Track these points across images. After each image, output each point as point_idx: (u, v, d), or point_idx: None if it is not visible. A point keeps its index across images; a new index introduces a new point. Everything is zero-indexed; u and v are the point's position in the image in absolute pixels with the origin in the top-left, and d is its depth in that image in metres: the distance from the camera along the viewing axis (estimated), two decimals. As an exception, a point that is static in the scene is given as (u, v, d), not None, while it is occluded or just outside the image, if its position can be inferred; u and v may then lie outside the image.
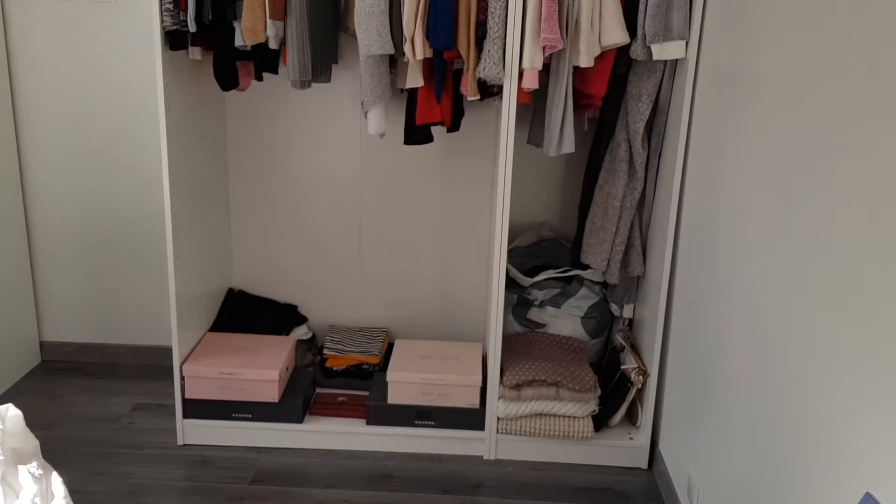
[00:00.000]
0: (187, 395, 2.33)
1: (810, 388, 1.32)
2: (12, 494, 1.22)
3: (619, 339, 2.47)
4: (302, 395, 2.38)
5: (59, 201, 2.71)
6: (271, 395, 2.33)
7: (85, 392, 2.66)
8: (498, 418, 2.32)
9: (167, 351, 2.49)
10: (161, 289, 2.78)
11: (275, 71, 2.32)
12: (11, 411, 1.31)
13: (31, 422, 2.43)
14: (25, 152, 2.66)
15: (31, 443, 1.36)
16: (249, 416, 2.34)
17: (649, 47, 2.02)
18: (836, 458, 1.21)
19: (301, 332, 2.72)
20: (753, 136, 1.64)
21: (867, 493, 1.08)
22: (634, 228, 2.31)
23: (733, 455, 1.68)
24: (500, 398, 2.30)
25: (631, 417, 2.41)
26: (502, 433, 2.33)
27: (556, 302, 2.50)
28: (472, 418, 2.34)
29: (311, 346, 2.74)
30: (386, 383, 2.36)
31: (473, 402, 2.35)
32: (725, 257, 1.77)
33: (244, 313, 2.69)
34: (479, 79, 2.07)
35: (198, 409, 2.34)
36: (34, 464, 1.28)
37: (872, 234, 1.14)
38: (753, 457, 1.56)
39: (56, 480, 1.31)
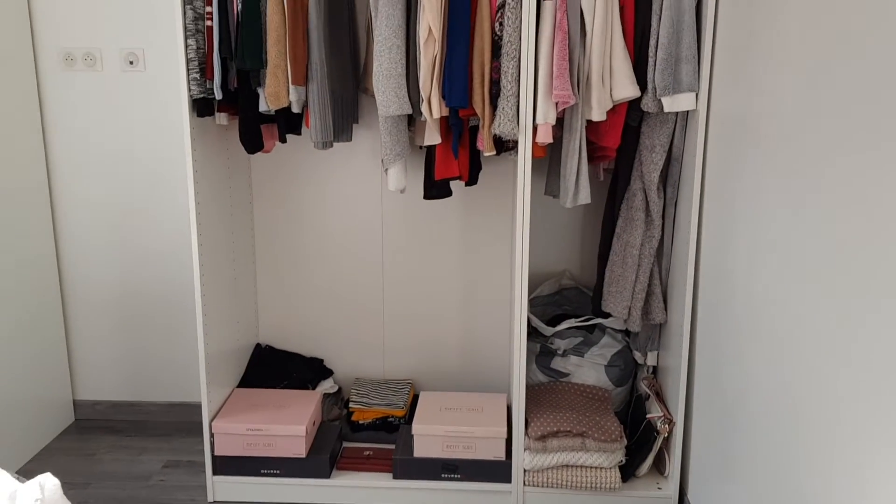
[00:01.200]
0: (217, 452, 2.36)
1: (837, 434, 1.32)
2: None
3: (643, 387, 2.46)
4: (329, 450, 2.40)
5: (92, 263, 2.80)
6: (298, 450, 2.35)
7: (117, 450, 2.70)
8: (524, 470, 2.31)
9: (197, 407, 2.54)
10: (191, 346, 2.85)
11: (298, 132, 2.40)
12: (51, 481, 1.36)
13: (66, 481, 2.50)
14: (59, 215, 2.76)
15: (67, 508, 1.40)
16: (277, 471, 2.37)
17: (660, 100, 2.07)
18: (859, 507, 1.21)
19: (327, 386, 2.75)
20: (765, 184, 1.66)
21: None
22: (654, 276, 2.32)
23: (759, 501, 1.67)
24: (525, 450, 2.30)
25: (659, 467, 2.39)
26: (529, 485, 2.32)
27: (579, 351, 2.51)
28: (498, 471, 2.34)
29: (337, 400, 2.76)
30: (412, 436, 2.37)
31: (499, 454, 2.35)
32: (745, 304, 1.78)
33: (271, 368, 2.73)
34: (495, 135, 2.13)
35: (227, 465, 2.37)
36: (69, 527, 1.33)
37: (888, 274, 1.15)
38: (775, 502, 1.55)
39: None
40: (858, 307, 1.23)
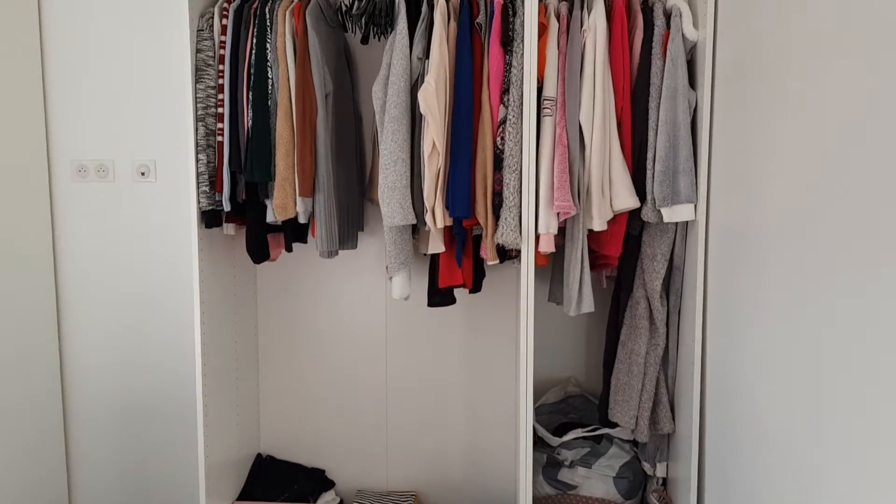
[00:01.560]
0: (212, 570, 2.28)
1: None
2: None
3: (654, 499, 2.39)
4: (329, 568, 2.32)
5: (94, 373, 2.78)
6: (297, 568, 2.27)
7: (110, 567, 2.61)
8: (532, 589, 2.22)
9: (195, 522, 2.47)
10: (191, 459, 2.78)
11: (304, 241, 2.44)
12: None
13: None
14: (65, 326, 2.76)
15: None
16: (275, 591, 2.28)
17: (659, 210, 2.11)
18: None
19: (328, 498, 2.68)
20: (765, 296, 1.67)
21: None
22: (660, 385, 2.30)
23: None
24: (533, 567, 2.21)
25: (672, 585, 2.29)
26: None
27: (586, 462, 2.46)
28: (504, 589, 2.25)
29: (338, 513, 2.69)
30: (415, 553, 2.29)
31: (506, 571, 2.26)
32: (750, 416, 1.76)
33: (272, 480, 2.67)
34: (498, 244, 2.16)
35: (223, 584, 2.28)
36: None
37: (891, 390, 1.14)
38: None
39: None
40: (861, 426, 1.21)
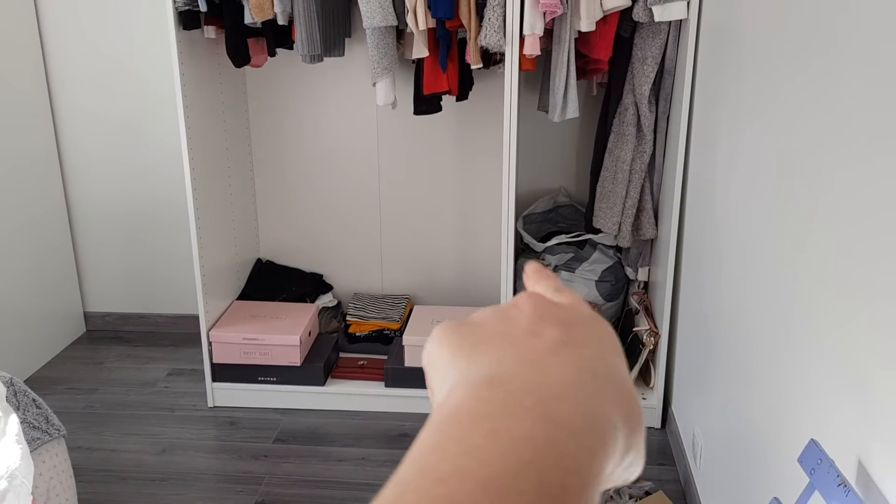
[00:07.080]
0: (215, 360, 2.45)
1: (784, 349, 1.33)
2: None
3: (633, 301, 2.49)
4: (324, 360, 2.48)
5: (95, 180, 2.85)
6: (293, 359, 2.43)
7: (125, 359, 2.81)
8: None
9: (199, 319, 2.61)
10: (192, 261, 2.91)
11: (289, 46, 2.38)
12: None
13: (74, 386, 2.61)
14: (62, 132, 2.80)
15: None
16: (274, 379, 2.46)
17: (651, 9, 2.01)
18: (796, 410, 1.23)
19: (326, 300, 2.82)
20: (748, 93, 1.63)
21: (812, 439, 1.10)
22: (645, 192, 2.31)
23: (726, 410, 1.70)
24: (512, 361, 2.34)
25: (645, 378, 2.43)
26: (516, 395, 2.38)
27: (570, 266, 2.53)
28: (486, 380, 2.40)
29: (336, 313, 2.83)
30: (403, 347, 2.44)
31: (487, 364, 2.40)
32: (721, 218, 1.78)
33: (271, 282, 2.79)
34: (482, 47, 2.10)
35: (226, 373, 2.46)
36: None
37: (872, 198, 1.14)
38: (739, 411, 1.58)
39: (13, 421, 1.43)
40: (836, 215, 1.23)
